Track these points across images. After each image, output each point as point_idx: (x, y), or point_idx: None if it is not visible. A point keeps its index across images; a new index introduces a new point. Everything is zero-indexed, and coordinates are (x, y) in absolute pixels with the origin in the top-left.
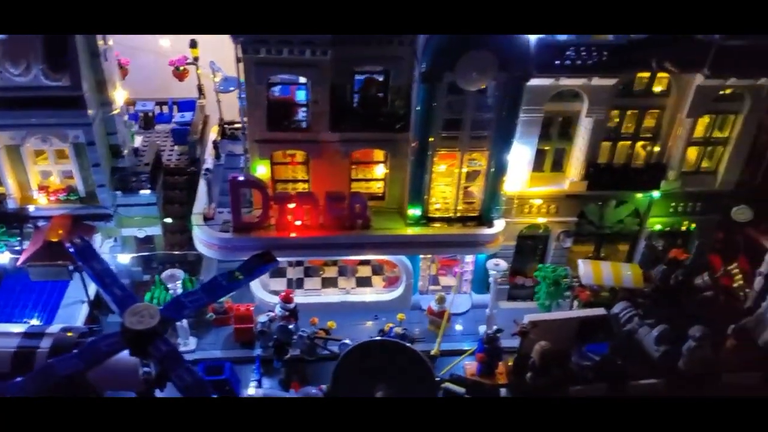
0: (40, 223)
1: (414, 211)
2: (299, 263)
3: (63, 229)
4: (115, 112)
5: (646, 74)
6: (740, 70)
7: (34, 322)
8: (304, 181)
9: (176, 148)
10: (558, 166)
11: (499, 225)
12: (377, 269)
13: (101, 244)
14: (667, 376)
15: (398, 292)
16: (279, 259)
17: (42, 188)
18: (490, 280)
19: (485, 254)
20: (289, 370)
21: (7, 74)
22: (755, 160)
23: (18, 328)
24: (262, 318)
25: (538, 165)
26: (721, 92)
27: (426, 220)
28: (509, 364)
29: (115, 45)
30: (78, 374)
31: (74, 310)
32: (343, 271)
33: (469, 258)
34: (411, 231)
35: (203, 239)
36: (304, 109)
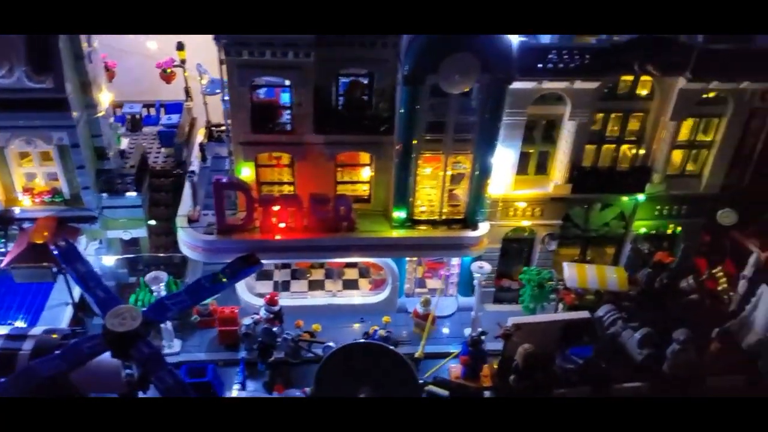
0: (25, 225)
1: (399, 214)
2: (286, 266)
3: (48, 231)
4: (100, 114)
5: (630, 77)
6: (723, 74)
7: (19, 324)
8: (289, 184)
9: (163, 150)
10: (542, 169)
11: (483, 228)
12: (364, 272)
13: (86, 246)
14: (651, 380)
15: (384, 294)
16: (264, 261)
17: (27, 190)
18: (475, 282)
19: (470, 257)
20: (274, 372)
21: None
22: (742, 163)
23: (1, 330)
24: (247, 320)
25: (522, 168)
26: (705, 96)
27: (411, 222)
28: (494, 366)
29: (103, 47)
30: (60, 376)
31: (59, 312)
32: (330, 273)
33: (455, 261)
34: (396, 233)
35: (187, 241)
36: (288, 111)
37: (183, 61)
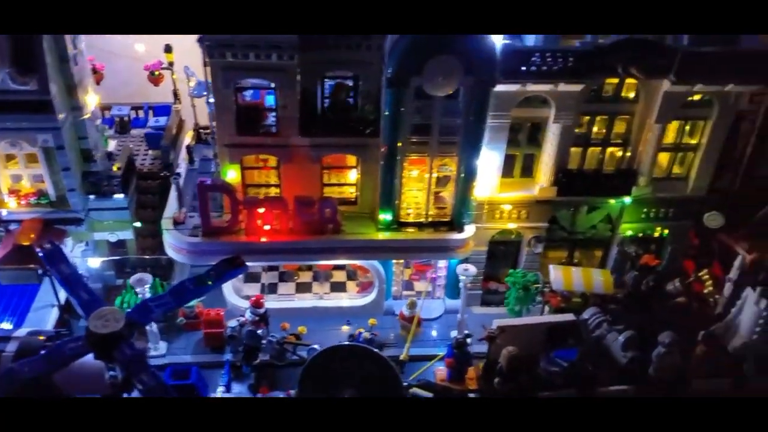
0: (11, 227)
1: (385, 216)
2: (274, 268)
3: (34, 233)
4: (86, 116)
5: (615, 80)
6: (707, 76)
7: (5, 325)
8: (276, 186)
9: (150, 152)
10: (528, 171)
11: (469, 230)
12: (352, 274)
13: (73, 248)
14: (636, 383)
15: (371, 297)
16: (249, 264)
17: (12, 192)
18: (460, 285)
19: (456, 259)
20: (259, 375)
21: None
22: (733, 166)
23: None
24: (232, 323)
25: (507, 171)
26: (690, 98)
27: (397, 225)
28: (479, 369)
29: (91, 50)
30: (42, 377)
31: (45, 314)
32: (317, 276)
33: (442, 263)
34: (382, 236)
35: (173, 244)
36: (273, 113)
37: (171, 64)
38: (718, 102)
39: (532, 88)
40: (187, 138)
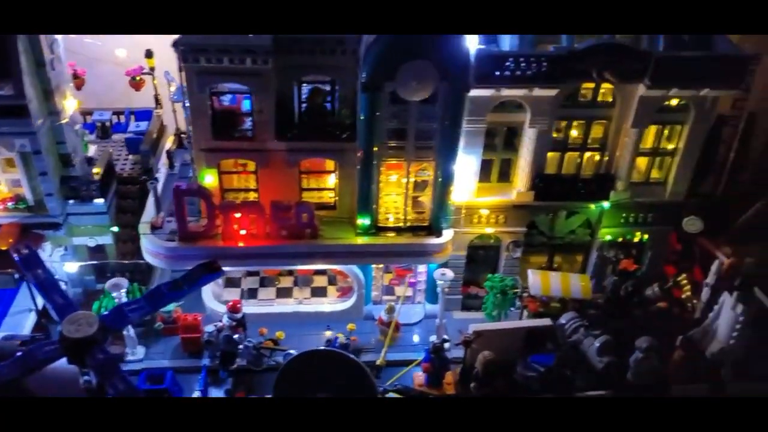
0: None
1: (363, 221)
2: (254, 273)
3: (11, 238)
4: (63, 121)
5: (591, 85)
6: (682, 81)
7: None
8: (255, 191)
9: (130, 157)
10: (505, 176)
11: (447, 235)
12: (333, 279)
13: (51, 253)
14: (613, 388)
15: (350, 302)
16: (227, 268)
17: None
18: (438, 290)
19: (435, 264)
20: (236, 380)
21: None
22: (716, 171)
23: None
24: (209, 328)
25: (485, 175)
26: (667, 103)
27: (376, 229)
28: (457, 374)
29: (72, 55)
30: (14, 381)
31: (22, 319)
32: (297, 281)
33: (422, 268)
34: (360, 240)
35: (150, 248)
36: (250, 118)
37: (152, 69)
38: (694, 106)
39: (507, 92)
40: (168, 143)
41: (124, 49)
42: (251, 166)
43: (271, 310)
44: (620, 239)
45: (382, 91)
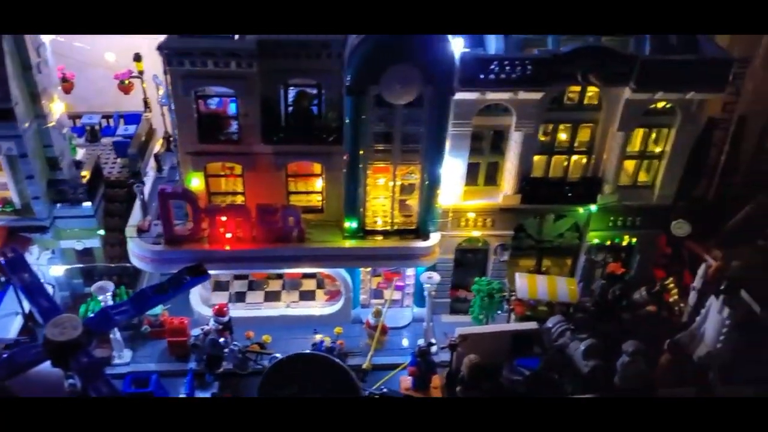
0: None
1: (350, 224)
2: (243, 277)
3: None
4: (50, 124)
5: (577, 88)
6: (667, 84)
7: None
8: (242, 194)
9: (119, 160)
10: (492, 179)
11: (434, 238)
12: (321, 283)
13: (38, 256)
14: (600, 392)
15: (338, 306)
16: (213, 272)
17: None
18: (425, 293)
19: (423, 267)
20: (222, 383)
21: None
22: (707, 174)
23: None
24: (195, 331)
25: (472, 178)
26: (653, 106)
27: (363, 232)
28: (444, 377)
29: (61, 59)
30: None
31: (8, 322)
32: (285, 284)
33: (410, 271)
34: (347, 244)
35: (136, 252)
36: (236, 121)
37: (141, 73)
38: (680, 109)
39: (492, 96)
40: (157, 146)
41: (113, 52)
42: (238, 169)
43: (259, 313)
44: (608, 242)
45: (367, 95)
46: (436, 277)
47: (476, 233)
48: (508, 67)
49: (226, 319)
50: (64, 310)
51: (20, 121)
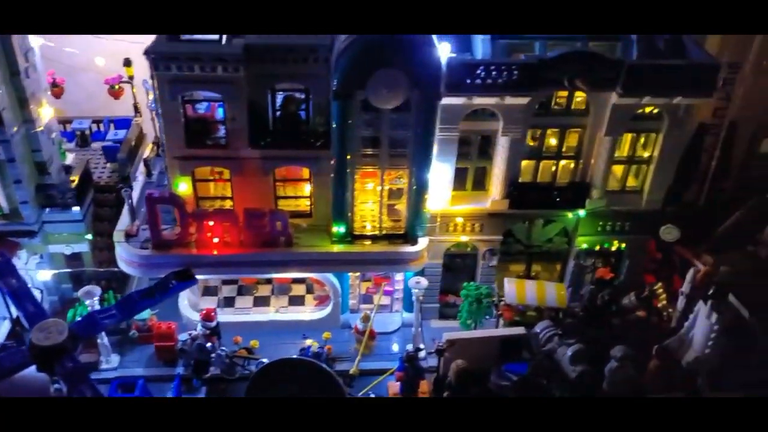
0: None
1: (338, 229)
2: (232, 282)
3: None
4: (39, 129)
5: (565, 93)
6: (654, 89)
7: None
8: (231, 199)
9: (108, 165)
10: (480, 184)
11: (422, 243)
12: (311, 288)
13: (27, 261)
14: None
15: (326, 311)
16: (201, 276)
17: None
18: (413, 298)
19: (411, 272)
20: (210, 388)
21: None
22: (698, 180)
23: None
24: (183, 336)
25: (460, 183)
26: (641, 111)
27: (351, 237)
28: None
29: (51, 64)
30: None
31: None
32: (274, 289)
33: (399, 276)
34: (335, 248)
35: (124, 257)
36: (224, 125)
37: (131, 78)
38: (668, 114)
39: (479, 101)
40: (146, 151)
41: (102, 57)
42: (227, 173)
43: (248, 318)
44: (597, 247)
45: (354, 99)
46: (423, 282)
47: (464, 238)
48: (494, 72)
49: (213, 324)
50: (53, 315)
51: (8, 126)
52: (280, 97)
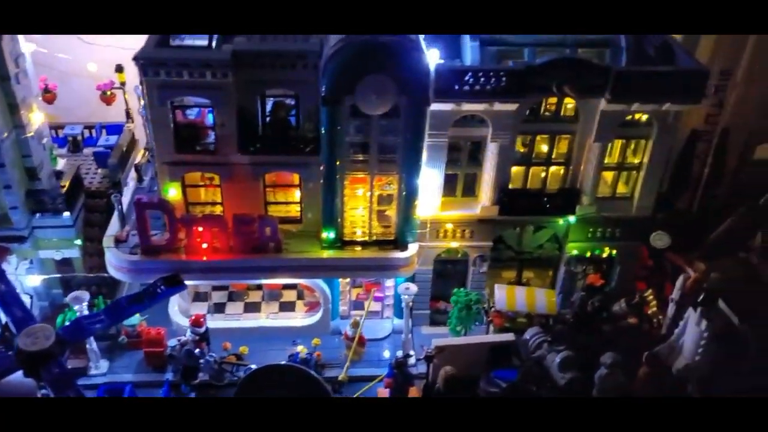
0: None
1: (328, 234)
2: (223, 288)
3: None
4: (29, 134)
5: (554, 99)
6: (642, 96)
7: None
8: (221, 204)
9: (99, 171)
10: (470, 190)
11: (412, 249)
12: (302, 294)
13: (17, 266)
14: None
15: (316, 317)
16: (190, 282)
17: None
18: (403, 305)
19: (402, 278)
20: (199, 395)
21: None
22: (691, 186)
23: None
24: (172, 342)
25: (450, 189)
26: (630, 117)
27: (341, 243)
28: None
29: (43, 69)
30: None
31: None
32: (264, 295)
33: (390, 283)
34: (325, 254)
35: (113, 262)
36: (213, 131)
37: (123, 83)
38: (657, 121)
39: (467, 107)
40: (138, 156)
41: (94, 63)
42: (218, 179)
43: (238, 324)
44: (588, 254)
45: (342, 105)
46: (413, 288)
47: (455, 244)
48: (482, 79)
49: (202, 330)
50: (43, 321)
51: None
52: (270, 103)
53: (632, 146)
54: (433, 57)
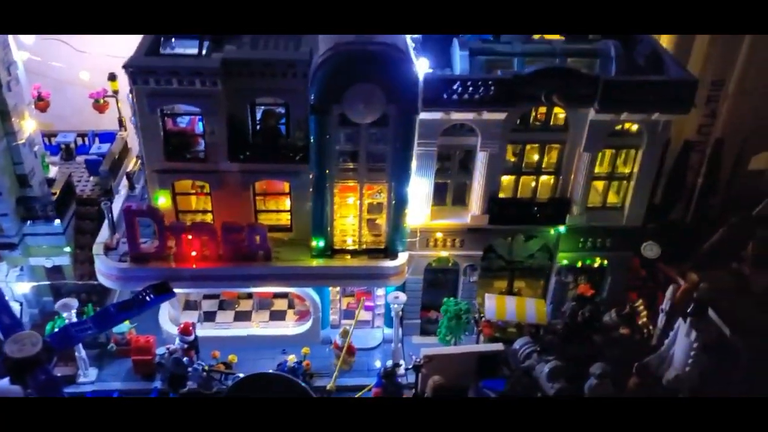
0: None
1: (317, 243)
2: (214, 296)
3: None
4: (20, 142)
5: (544, 108)
6: (631, 105)
7: None
8: (211, 212)
9: (91, 178)
10: (461, 199)
11: (402, 258)
12: (293, 303)
13: (7, 273)
14: None
15: (306, 326)
16: (179, 290)
17: None
18: (392, 314)
19: (392, 287)
20: None
21: None
22: (685, 197)
23: None
24: (161, 350)
25: (440, 198)
26: (620, 127)
27: (331, 251)
28: None
29: (36, 77)
30: None
31: None
32: (254, 304)
33: (381, 292)
34: (314, 263)
35: (103, 270)
36: (203, 139)
37: (115, 92)
38: (646, 130)
39: (456, 116)
40: (131, 164)
41: (87, 71)
42: (208, 188)
43: (228, 333)
44: (579, 264)
45: (331, 114)
46: (402, 297)
47: (445, 253)
48: (471, 88)
49: (191, 338)
50: (32, 328)
51: None
52: (259, 111)
53: (622, 156)
54: (422, 66)
